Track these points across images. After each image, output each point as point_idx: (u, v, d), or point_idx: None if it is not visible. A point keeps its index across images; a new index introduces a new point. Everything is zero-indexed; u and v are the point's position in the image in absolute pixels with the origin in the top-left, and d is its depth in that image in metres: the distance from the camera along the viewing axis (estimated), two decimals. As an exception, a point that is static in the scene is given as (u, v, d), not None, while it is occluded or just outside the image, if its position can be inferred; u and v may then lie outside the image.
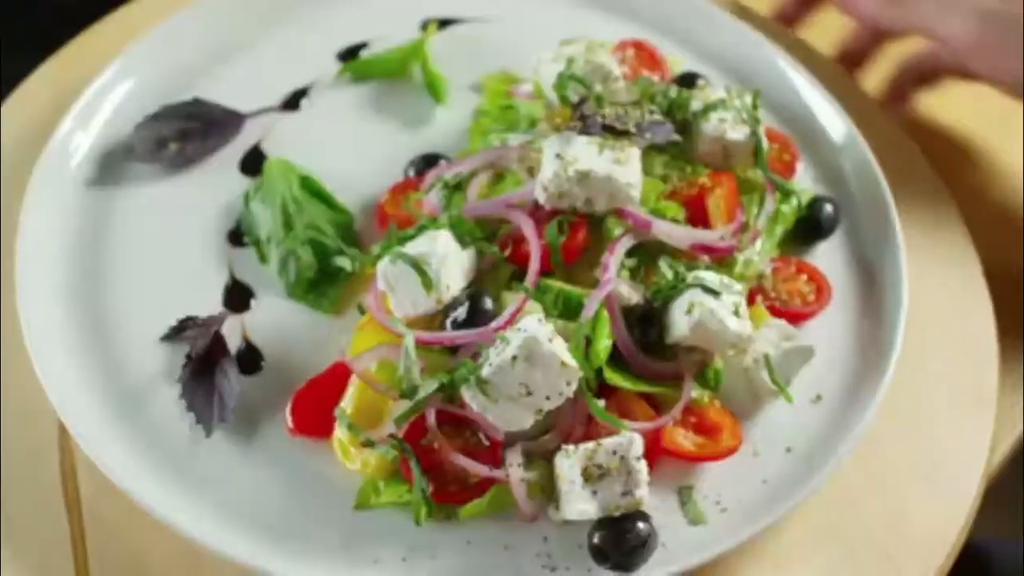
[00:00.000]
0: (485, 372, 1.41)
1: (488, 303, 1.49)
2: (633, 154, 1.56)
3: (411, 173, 1.68)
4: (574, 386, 1.42)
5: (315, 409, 1.49)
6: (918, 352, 1.60)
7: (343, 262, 1.57)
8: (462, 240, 1.53)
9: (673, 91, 1.66)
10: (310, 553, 1.41)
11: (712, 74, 1.79)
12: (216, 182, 1.68)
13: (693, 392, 1.50)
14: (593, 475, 1.41)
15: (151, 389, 1.51)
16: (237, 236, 1.65)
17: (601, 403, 1.45)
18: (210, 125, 1.72)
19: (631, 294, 1.52)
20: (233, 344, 1.55)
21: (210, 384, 1.51)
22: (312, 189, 1.67)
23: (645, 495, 1.41)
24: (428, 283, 1.48)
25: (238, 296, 1.60)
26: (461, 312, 1.49)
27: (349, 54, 1.82)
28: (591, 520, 1.41)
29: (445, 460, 1.44)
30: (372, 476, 1.45)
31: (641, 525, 1.40)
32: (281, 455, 1.48)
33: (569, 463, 1.41)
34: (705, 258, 1.57)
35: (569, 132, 1.57)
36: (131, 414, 1.49)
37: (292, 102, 1.78)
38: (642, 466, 1.41)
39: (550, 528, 1.44)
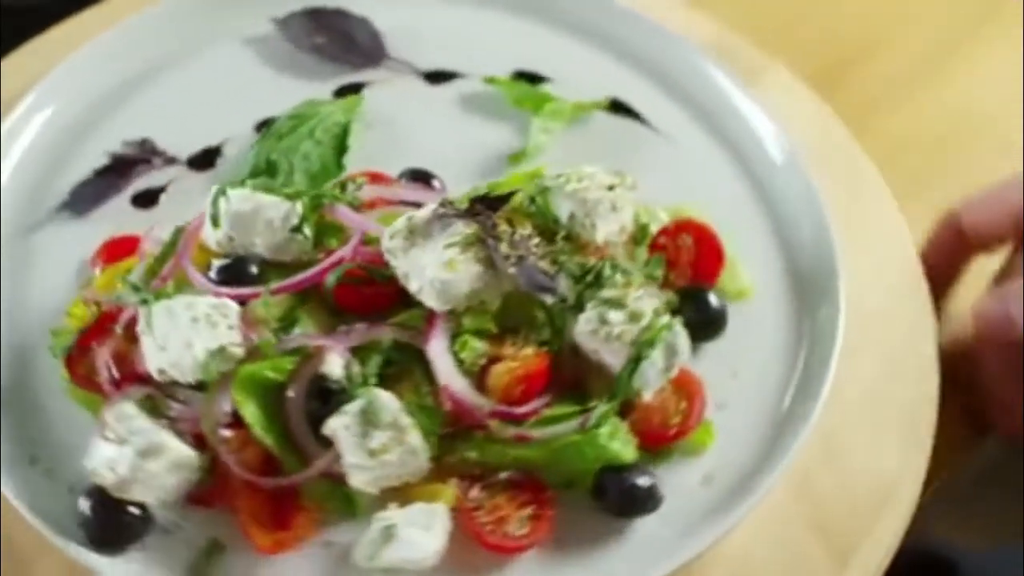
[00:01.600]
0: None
1: (250, 271, 1.49)
2: (471, 270, 1.43)
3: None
4: (193, 375, 1.41)
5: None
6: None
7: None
8: (299, 225, 1.52)
9: (607, 270, 1.48)
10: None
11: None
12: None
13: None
14: (124, 440, 1.39)
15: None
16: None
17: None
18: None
19: (333, 363, 1.42)
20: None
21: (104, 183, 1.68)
22: (341, 134, 1.71)
23: (150, 498, 1.38)
24: (215, 220, 1.51)
25: (205, 157, 1.72)
26: (222, 261, 1.50)
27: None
28: None
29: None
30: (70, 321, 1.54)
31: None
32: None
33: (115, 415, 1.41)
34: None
35: (441, 212, 1.47)
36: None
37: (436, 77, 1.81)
38: (159, 472, 1.38)
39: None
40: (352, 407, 1.38)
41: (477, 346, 1.44)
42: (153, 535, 1.40)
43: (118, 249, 1.59)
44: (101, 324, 1.48)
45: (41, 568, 1.42)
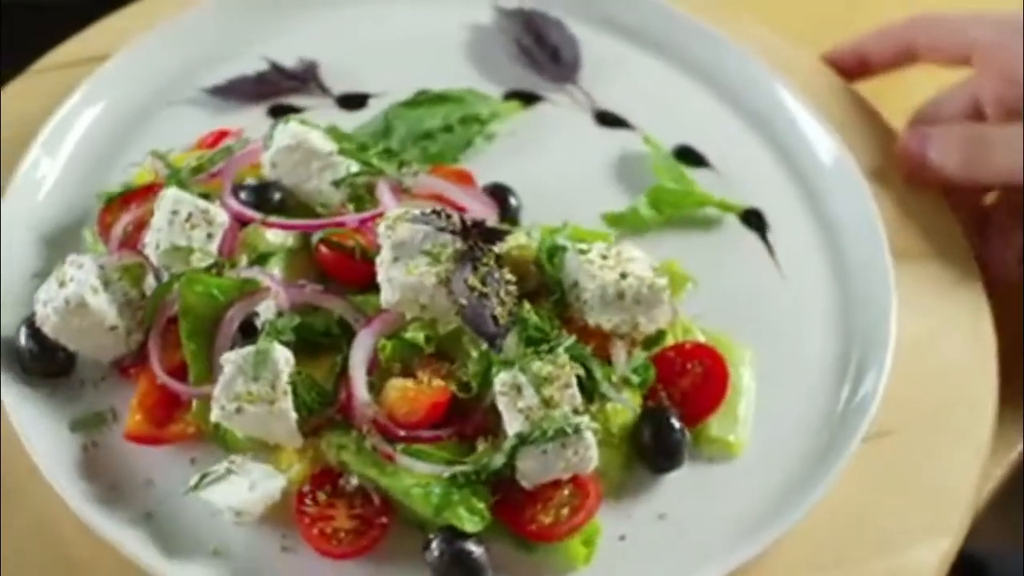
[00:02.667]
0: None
1: (273, 196, 1.55)
2: (427, 282, 1.42)
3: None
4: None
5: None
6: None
7: None
8: (342, 180, 1.56)
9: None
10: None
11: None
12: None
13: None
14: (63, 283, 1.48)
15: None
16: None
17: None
18: None
19: (263, 309, 1.47)
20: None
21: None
22: (475, 127, 1.73)
23: (65, 340, 1.47)
24: (268, 141, 1.57)
25: (354, 99, 1.77)
26: (254, 181, 1.57)
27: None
28: None
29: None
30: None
31: None
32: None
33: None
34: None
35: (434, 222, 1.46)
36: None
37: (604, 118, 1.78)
38: (86, 318, 1.45)
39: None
40: (247, 349, 1.40)
41: (397, 354, 1.42)
42: (69, 384, 1.50)
43: (216, 140, 1.68)
44: (144, 192, 1.59)
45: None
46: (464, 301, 1.40)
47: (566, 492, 1.40)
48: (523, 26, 1.83)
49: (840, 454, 1.46)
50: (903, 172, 1.69)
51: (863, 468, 1.48)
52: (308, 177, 1.55)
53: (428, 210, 1.46)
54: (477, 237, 1.44)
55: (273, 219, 1.52)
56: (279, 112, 1.74)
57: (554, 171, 1.71)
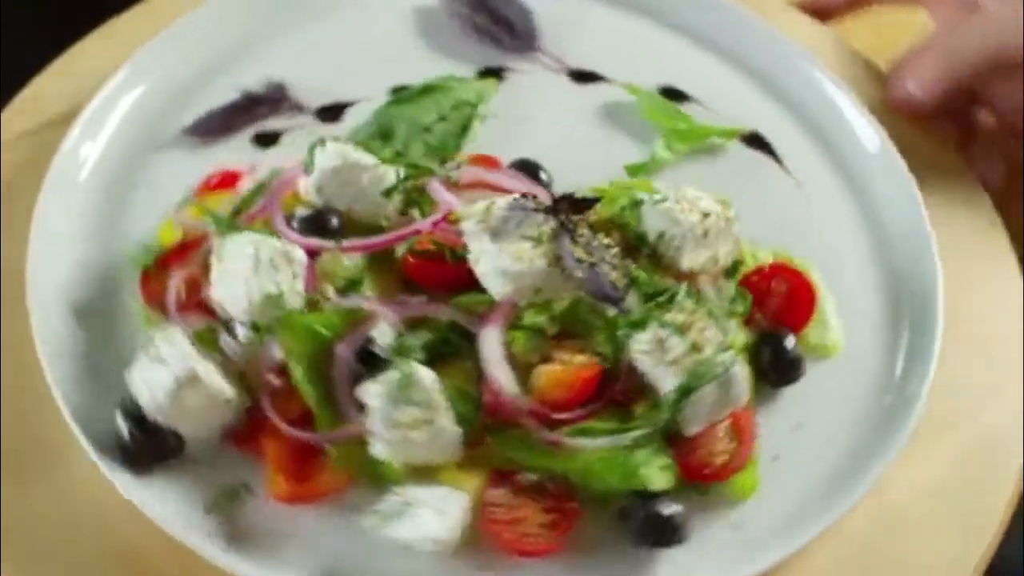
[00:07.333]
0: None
1: (331, 223, 1.49)
2: (537, 265, 1.41)
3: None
4: (246, 314, 1.42)
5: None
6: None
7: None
8: (393, 188, 1.52)
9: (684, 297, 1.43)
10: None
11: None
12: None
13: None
14: (164, 362, 1.41)
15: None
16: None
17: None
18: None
19: (382, 330, 1.42)
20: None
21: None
22: (469, 114, 1.71)
23: (184, 428, 1.40)
24: (309, 165, 1.52)
25: (333, 110, 1.72)
26: (307, 210, 1.51)
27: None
28: None
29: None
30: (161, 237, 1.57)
31: None
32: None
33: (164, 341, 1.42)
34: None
35: (524, 204, 1.45)
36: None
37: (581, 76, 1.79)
38: (195, 401, 1.39)
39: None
40: (389, 376, 1.37)
41: (529, 343, 1.41)
42: (182, 464, 1.42)
43: (223, 181, 1.61)
44: (184, 249, 1.51)
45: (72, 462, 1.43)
46: (581, 274, 1.41)
47: (724, 430, 1.43)
48: (473, 6, 1.82)
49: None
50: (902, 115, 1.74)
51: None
52: (359, 194, 1.51)
53: (517, 195, 1.45)
54: (568, 210, 1.45)
55: (348, 242, 1.48)
56: (263, 139, 1.69)
57: (554, 137, 1.71)
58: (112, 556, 1.38)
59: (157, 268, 1.51)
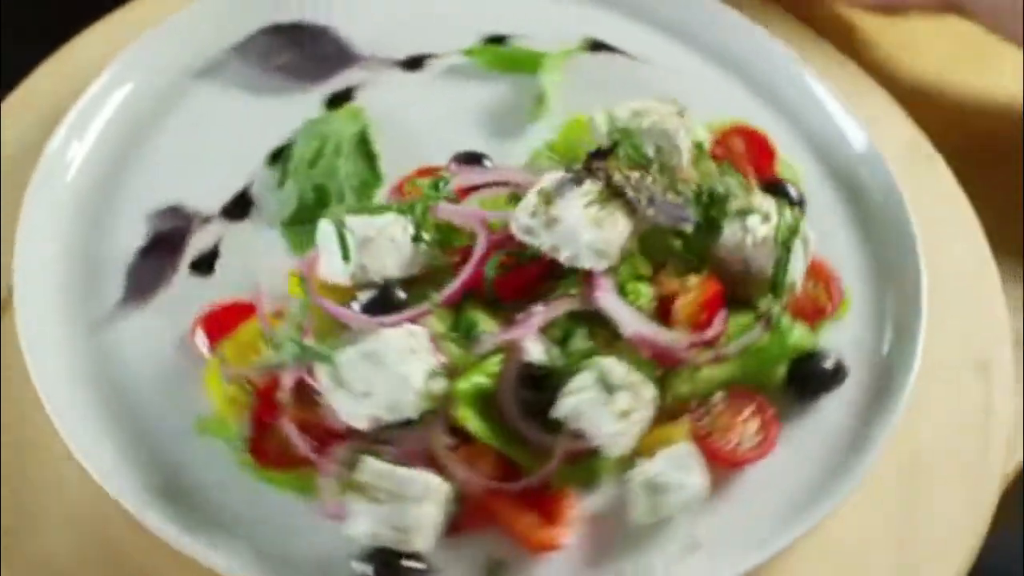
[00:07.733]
0: (338, 356, 1.38)
1: (399, 296, 1.45)
2: (619, 222, 1.45)
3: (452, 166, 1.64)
4: (415, 409, 1.36)
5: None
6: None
7: (327, 212, 1.56)
8: (417, 234, 1.48)
9: (723, 185, 1.53)
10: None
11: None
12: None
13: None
14: (377, 497, 1.34)
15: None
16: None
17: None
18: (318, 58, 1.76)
19: (534, 350, 1.42)
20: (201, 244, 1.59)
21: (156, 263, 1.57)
22: (362, 143, 1.67)
23: (422, 544, 1.35)
24: (346, 253, 1.45)
25: (238, 206, 1.63)
26: (367, 296, 1.45)
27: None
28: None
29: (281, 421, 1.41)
30: (222, 408, 1.46)
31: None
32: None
33: (366, 474, 1.36)
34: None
35: (569, 177, 1.48)
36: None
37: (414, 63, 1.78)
38: (421, 512, 1.33)
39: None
40: (582, 380, 1.38)
41: (645, 290, 1.47)
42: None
43: (220, 321, 1.51)
44: (266, 399, 1.41)
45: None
46: (653, 212, 1.48)
47: (750, 416, 1.49)
48: (268, 49, 1.76)
49: None
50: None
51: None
52: (398, 253, 1.48)
53: (564, 171, 1.48)
54: (600, 162, 1.50)
55: (436, 297, 1.45)
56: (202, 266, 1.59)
57: (442, 125, 1.71)
58: (111, 561, 1.38)
59: (256, 432, 1.41)
